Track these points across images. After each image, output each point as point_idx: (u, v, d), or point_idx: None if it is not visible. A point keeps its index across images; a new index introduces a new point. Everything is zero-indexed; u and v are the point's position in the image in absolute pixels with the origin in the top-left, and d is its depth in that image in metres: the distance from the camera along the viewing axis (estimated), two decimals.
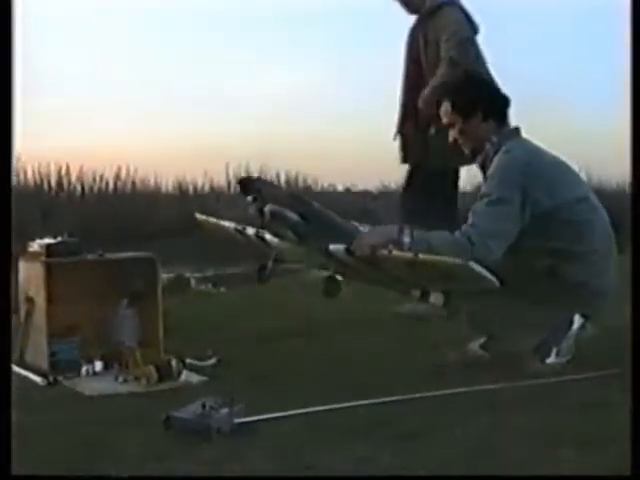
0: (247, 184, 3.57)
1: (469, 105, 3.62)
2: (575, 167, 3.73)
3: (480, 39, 4.87)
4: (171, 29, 15.56)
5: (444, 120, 3.68)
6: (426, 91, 4.61)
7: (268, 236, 3.63)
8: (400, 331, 4.26)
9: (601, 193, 13.42)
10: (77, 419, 2.91)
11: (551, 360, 3.37)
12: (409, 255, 3.23)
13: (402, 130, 5.15)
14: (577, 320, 3.38)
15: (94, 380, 3.57)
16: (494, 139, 3.57)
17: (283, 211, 3.46)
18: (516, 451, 2.43)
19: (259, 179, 3.65)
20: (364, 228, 3.66)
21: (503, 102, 3.70)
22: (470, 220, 3.42)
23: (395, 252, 3.27)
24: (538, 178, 3.45)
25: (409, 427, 2.67)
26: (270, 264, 3.66)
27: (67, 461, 2.43)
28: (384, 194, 15.49)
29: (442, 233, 3.42)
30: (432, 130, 4.75)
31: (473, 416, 2.77)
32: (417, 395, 3.02)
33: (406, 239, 3.32)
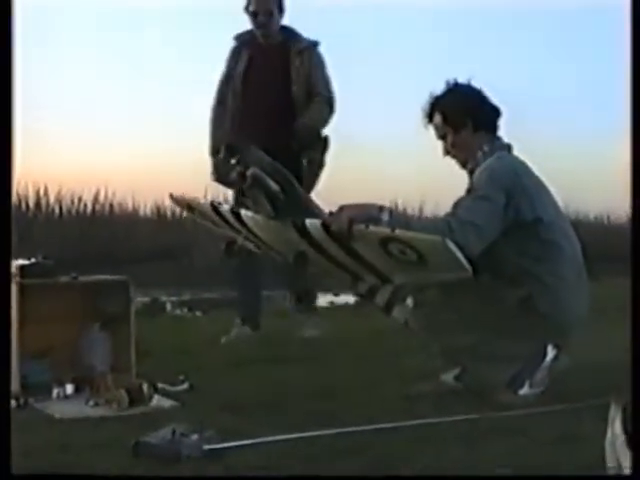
0: (233, 147, 3.56)
1: (459, 117, 3.62)
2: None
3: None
4: (148, 52, 15.57)
5: (436, 133, 3.68)
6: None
7: (243, 212, 3.59)
8: (373, 360, 4.26)
9: (580, 222, 13.52)
10: (47, 442, 2.88)
11: (524, 391, 3.37)
12: (386, 231, 3.22)
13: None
14: (550, 351, 3.39)
15: (65, 403, 3.54)
16: (486, 148, 3.59)
17: (265, 177, 3.43)
18: None
19: (246, 146, 3.61)
20: None
21: (494, 113, 3.70)
22: (454, 209, 3.42)
23: (372, 227, 3.25)
24: (523, 188, 3.46)
25: (380, 457, 2.66)
26: (240, 240, 3.65)
27: None
28: None
29: (422, 218, 3.42)
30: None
31: (445, 447, 2.76)
32: (388, 425, 3.01)
33: (385, 217, 3.32)
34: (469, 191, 3.50)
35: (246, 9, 5.27)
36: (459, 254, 3.05)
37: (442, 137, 3.68)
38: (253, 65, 5.24)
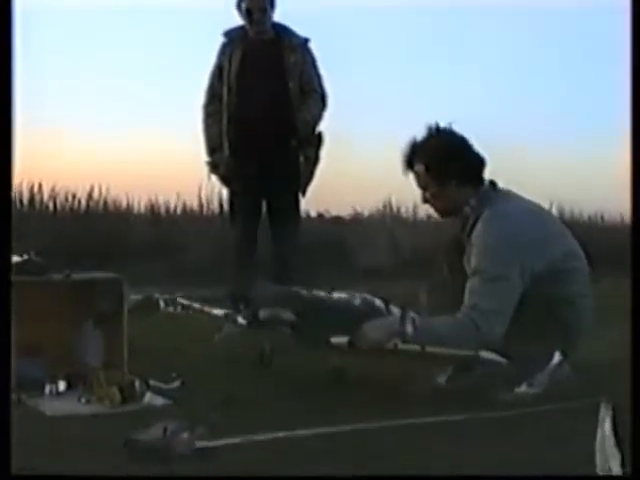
0: (238, 296, 3.60)
1: (443, 170, 3.57)
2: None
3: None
4: (140, 50, 15.53)
5: (416, 181, 3.63)
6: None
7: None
8: (370, 358, 4.25)
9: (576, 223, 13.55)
10: (38, 438, 2.88)
11: (521, 390, 3.36)
12: (416, 348, 3.30)
13: None
14: (557, 357, 3.39)
15: (57, 400, 3.54)
16: (472, 202, 3.56)
17: (278, 314, 3.50)
18: None
19: (246, 285, 3.65)
20: (365, 300, 3.71)
21: (479, 165, 3.65)
22: (469, 301, 3.41)
23: (401, 346, 3.33)
24: (529, 246, 3.45)
25: (371, 455, 2.66)
26: (268, 349, 3.68)
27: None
28: (356, 220, 15.50)
29: (445, 319, 3.42)
30: None
31: (439, 446, 2.77)
32: (383, 424, 3.02)
33: (409, 329, 3.34)
34: (475, 272, 3.46)
35: (238, 7, 5.27)
36: (493, 357, 3.19)
37: (423, 187, 3.63)
38: (247, 61, 5.24)
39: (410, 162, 3.62)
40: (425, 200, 3.65)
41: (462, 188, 3.57)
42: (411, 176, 3.65)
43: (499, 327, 3.37)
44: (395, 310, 3.72)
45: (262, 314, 3.49)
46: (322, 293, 4.04)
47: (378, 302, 3.74)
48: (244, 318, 3.60)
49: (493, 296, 3.38)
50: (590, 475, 2.13)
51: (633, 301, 2.69)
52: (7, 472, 2.04)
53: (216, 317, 3.91)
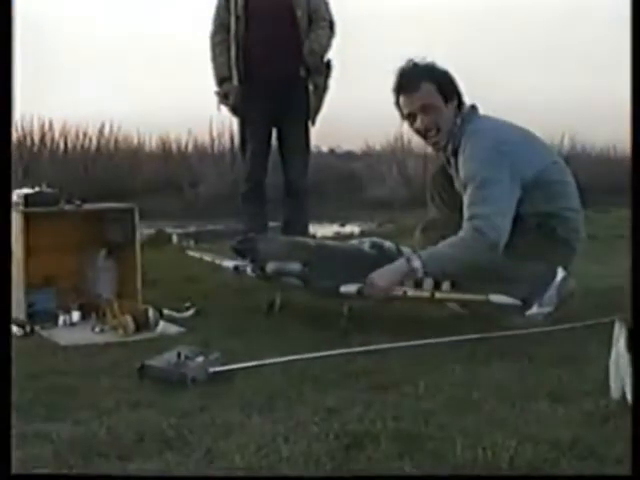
0: (242, 247, 3.57)
1: (453, 88, 3.57)
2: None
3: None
4: None
5: (423, 103, 3.55)
6: None
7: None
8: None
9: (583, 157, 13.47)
10: (52, 368, 2.89)
11: (532, 311, 3.35)
12: (425, 294, 3.32)
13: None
14: (560, 273, 3.38)
15: (71, 330, 3.55)
16: (458, 121, 3.55)
17: (285, 266, 3.48)
18: (491, 404, 2.42)
19: (251, 239, 3.61)
20: (374, 244, 3.69)
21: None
22: (468, 213, 3.40)
23: (410, 292, 3.32)
24: (516, 152, 3.46)
25: (385, 378, 2.67)
26: (278, 300, 3.67)
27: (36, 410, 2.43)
28: (367, 155, 15.48)
29: (449, 240, 3.40)
30: None
31: (450, 368, 2.77)
32: (394, 345, 3.02)
33: (416, 264, 3.31)
34: (467, 181, 3.45)
35: None
36: (504, 300, 3.12)
37: (428, 108, 3.55)
38: None
39: (418, 82, 3.56)
40: (419, 129, 3.60)
41: (455, 109, 3.56)
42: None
43: (503, 227, 3.36)
44: (406, 250, 3.71)
45: (269, 267, 3.49)
46: (330, 242, 4.04)
47: (388, 244, 3.73)
48: (252, 271, 3.60)
49: (489, 200, 3.38)
50: (590, 475, 2.13)
51: (633, 297, 2.67)
52: (7, 472, 2.04)
53: (227, 269, 3.90)
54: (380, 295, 3.34)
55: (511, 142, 3.50)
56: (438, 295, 3.33)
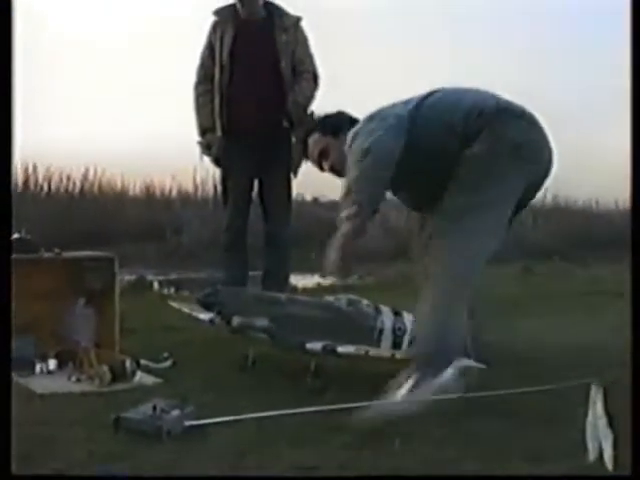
0: (207, 300, 3.60)
1: (336, 125, 3.54)
2: None
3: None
4: (132, 33, 15.52)
5: (317, 150, 3.59)
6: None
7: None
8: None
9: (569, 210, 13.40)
10: (28, 417, 2.86)
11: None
12: (386, 354, 3.40)
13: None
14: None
15: (48, 378, 3.53)
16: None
17: (251, 321, 3.53)
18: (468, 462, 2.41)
19: (216, 292, 3.64)
20: (351, 302, 3.73)
21: None
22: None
23: (372, 352, 3.37)
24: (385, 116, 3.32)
25: (357, 437, 2.66)
26: (251, 354, 3.68)
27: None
28: None
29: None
30: None
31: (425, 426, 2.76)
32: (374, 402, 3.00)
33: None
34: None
35: None
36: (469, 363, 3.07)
37: (325, 153, 3.57)
38: (239, 41, 5.18)
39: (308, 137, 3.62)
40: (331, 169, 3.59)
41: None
42: None
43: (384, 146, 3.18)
44: (385, 310, 3.72)
45: (235, 321, 3.52)
46: (303, 297, 4.03)
47: (365, 303, 3.74)
48: (219, 325, 3.64)
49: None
50: (590, 475, 2.13)
51: (633, 296, 2.68)
52: (7, 472, 2.03)
53: (203, 321, 3.89)
54: (338, 267, 3.17)
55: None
56: (398, 355, 3.35)
